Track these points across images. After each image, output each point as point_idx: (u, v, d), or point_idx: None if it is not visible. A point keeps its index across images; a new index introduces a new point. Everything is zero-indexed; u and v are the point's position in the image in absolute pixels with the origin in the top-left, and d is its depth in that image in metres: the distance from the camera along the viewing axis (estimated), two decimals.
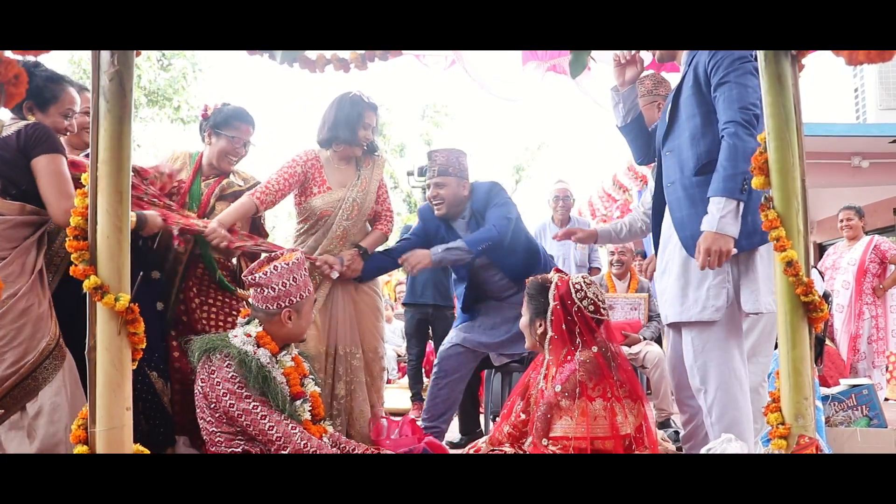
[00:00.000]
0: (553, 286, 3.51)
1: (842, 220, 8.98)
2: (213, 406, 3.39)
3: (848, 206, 9.01)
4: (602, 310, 3.51)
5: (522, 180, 29.44)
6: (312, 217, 4.79)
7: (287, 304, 3.60)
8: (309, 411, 3.65)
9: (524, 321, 3.64)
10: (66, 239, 2.38)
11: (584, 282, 3.52)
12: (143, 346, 2.42)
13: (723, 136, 3.52)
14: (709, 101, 3.68)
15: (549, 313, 3.49)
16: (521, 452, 3.49)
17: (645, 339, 6.97)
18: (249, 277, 3.62)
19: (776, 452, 2.54)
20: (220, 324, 4.41)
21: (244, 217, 4.51)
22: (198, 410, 3.50)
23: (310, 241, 4.77)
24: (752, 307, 3.57)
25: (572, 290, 3.47)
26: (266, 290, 3.58)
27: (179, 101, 18.32)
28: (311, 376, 3.82)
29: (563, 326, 3.44)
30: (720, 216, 3.45)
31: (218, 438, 3.41)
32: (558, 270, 3.67)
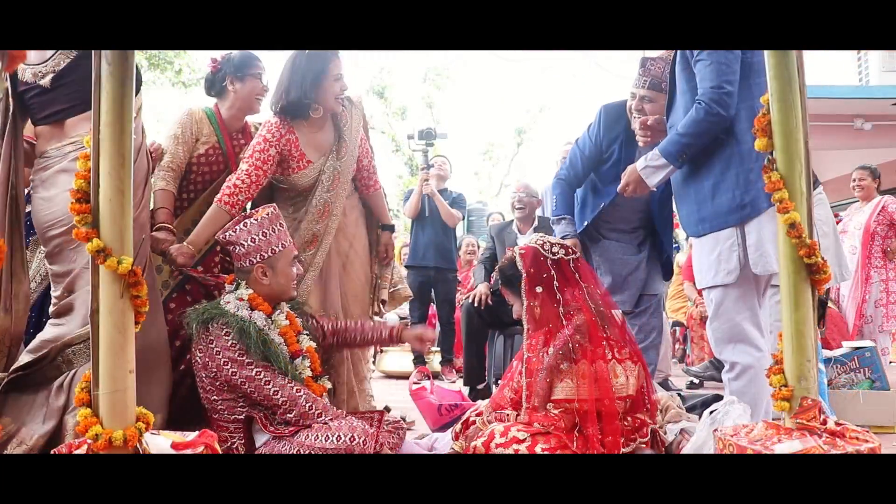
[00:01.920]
0: (518, 257, 3.51)
1: (854, 180, 8.74)
2: (213, 375, 3.37)
3: (862, 166, 8.78)
4: (570, 250, 3.56)
5: (524, 143, 29.42)
6: (298, 197, 4.39)
7: (258, 259, 3.54)
8: (308, 367, 3.62)
9: (518, 309, 3.61)
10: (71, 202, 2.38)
11: (540, 236, 3.61)
12: (146, 310, 2.43)
13: (695, 104, 3.68)
14: (694, 75, 3.78)
15: (523, 284, 3.48)
16: (523, 417, 3.50)
17: None
18: (221, 236, 3.60)
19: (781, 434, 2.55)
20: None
21: (219, 229, 3.85)
22: (197, 381, 3.48)
23: (291, 221, 4.29)
24: (761, 269, 3.64)
25: (539, 248, 3.48)
26: (237, 248, 3.55)
27: (181, 65, 18.33)
28: (304, 332, 3.76)
29: (539, 288, 3.43)
30: (646, 164, 3.96)
31: (220, 406, 3.40)
32: (510, 249, 3.68)
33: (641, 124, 4.20)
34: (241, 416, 3.40)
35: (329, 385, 3.79)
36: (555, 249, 3.48)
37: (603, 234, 4.92)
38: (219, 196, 4.05)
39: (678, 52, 3.91)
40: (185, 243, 3.92)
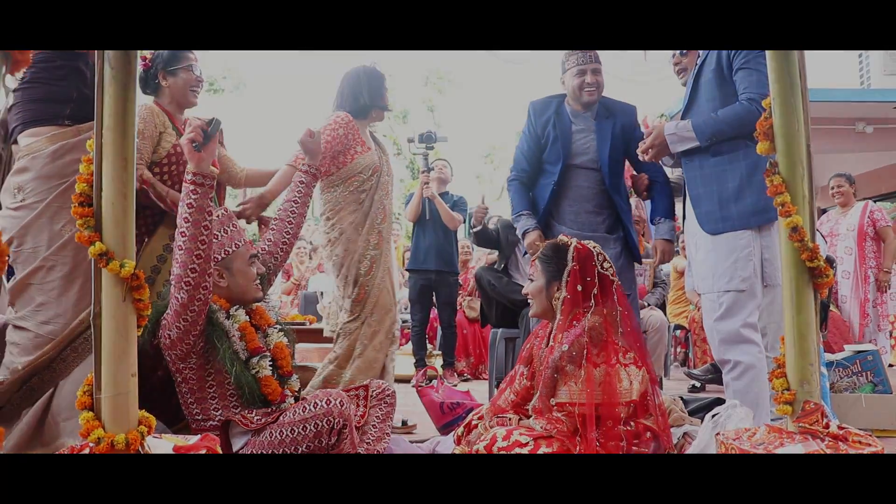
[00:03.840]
0: (572, 249, 3.51)
1: (833, 188, 9.04)
2: (178, 351, 3.27)
3: (838, 174, 9.08)
4: (615, 272, 3.58)
5: None
6: (366, 173, 4.80)
7: (213, 262, 3.38)
8: (267, 367, 3.45)
9: (537, 285, 3.61)
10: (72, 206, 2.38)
11: (597, 245, 3.60)
12: (148, 313, 2.43)
13: (740, 101, 3.89)
14: (729, 83, 3.99)
15: (565, 274, 3.48)
16: (524, 418, 3.50)
17: (649, 304, 7.07)
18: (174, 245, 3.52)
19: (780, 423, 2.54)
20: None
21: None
22: (176, 387, 3.39)
23: (367, 201, 4.82)
24: (771, 279, 3.92)
25: (594, 254, 3.50)
26: None
27: None
28: (276, 326, 3.66)
29: (579, 287, 3.44)
30: (675, 131, 4.11)
31: (195, 410, 3.35)
32: (567, 236, 3.68)
33: (645, 150, 4.31)
34: (216, 422, 3.34)
35: (297, 386, 3.64)
36: (605, 265, 3.52)
37: (567, 222, 4.86)
38: (292, 161, 4.50)
39: (709, 59, 4.11)
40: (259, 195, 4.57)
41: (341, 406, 3.23)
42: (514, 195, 5.02)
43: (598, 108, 4.91)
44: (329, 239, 4.79)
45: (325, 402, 3.23)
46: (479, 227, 6.30)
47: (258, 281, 3.64)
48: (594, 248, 3.53)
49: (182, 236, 3.15)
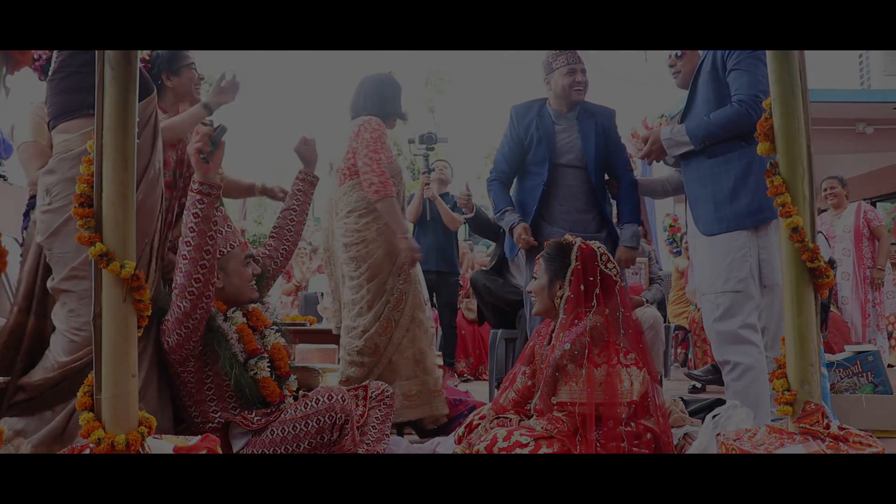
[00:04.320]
0: (576, 248, 3.52)
1: (825, 190, 9.04)
2: (177, 356, 3.27)
3: (830, 176, 9.11)
4: (619, 274, 3.59)
5: None
6: (396, 177, 4.86)
7: None
8: (266, 368, 3.46)
9: (540, 283, 3.61)
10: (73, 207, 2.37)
11: (602, 245, 3.61)
12: (148, 314, 2.42)
13: (731, 103, 3.92)
14: (724, 85, 4.02)
15: (569, 273, 3.49)
16: (525, 419, 3.50)
17: (647, 301, 7.09)
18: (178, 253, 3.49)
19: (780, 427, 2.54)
20: None
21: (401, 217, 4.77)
22: (175, 390, 3.41)
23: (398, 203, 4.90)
24: (769, 280, 3.94)
25: (598, 254, 3.51)
26: None
27: None
28: (273, 327, 3.66)
29: (582, 287, 3.45)
30: (671, 136, 4.21)
31: (194, 413, 3.35)
32: (572, 234, 3.69)
33: (645, 155, 4.44)
34: (216, 424, 3.34)
35: (295, 386, 3.65)
36: (608, 265, 3.53)
37: (559, 222, 4.88)
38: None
39: (706, 61, 4.14)
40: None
41: (343, 401, 3.25)
42: (495, 194, 5.11)
43: (579, 110, 5.00)
44: (363, 238, 4.73)
45: (328, 398, 3.24)
46: (471, 214, 6.24)
47: (254, 282, 3.64)
48: (598, 247, 3.54)
49: (187, 245, 3.16)
